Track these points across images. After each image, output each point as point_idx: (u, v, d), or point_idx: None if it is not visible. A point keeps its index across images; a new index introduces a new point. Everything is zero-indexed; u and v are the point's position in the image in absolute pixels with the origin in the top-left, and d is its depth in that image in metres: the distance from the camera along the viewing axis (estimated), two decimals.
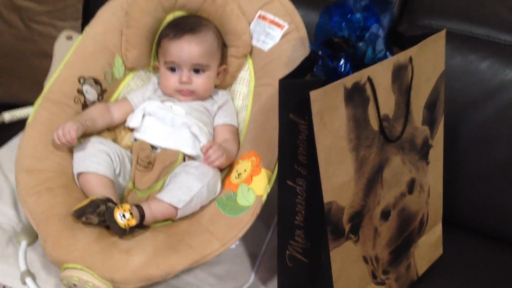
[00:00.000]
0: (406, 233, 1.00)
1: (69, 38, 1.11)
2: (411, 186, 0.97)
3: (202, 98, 1.06)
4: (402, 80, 0.88)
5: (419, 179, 0.98)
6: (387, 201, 0.92)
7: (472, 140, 1.15)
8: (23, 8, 1.28)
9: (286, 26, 1.06)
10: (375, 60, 0.89)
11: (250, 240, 1.06)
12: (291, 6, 1.08)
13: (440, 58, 0.97)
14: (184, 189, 0.89)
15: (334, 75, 0.88)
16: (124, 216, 0.85)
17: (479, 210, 1.18)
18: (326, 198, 0.81)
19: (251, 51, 1.09)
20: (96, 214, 0.85)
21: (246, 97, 1.08)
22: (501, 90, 1.13)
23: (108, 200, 0.87)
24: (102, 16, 1.08)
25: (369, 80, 0.82)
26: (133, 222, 0.85)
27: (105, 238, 0.86)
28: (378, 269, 0.95)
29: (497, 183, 1.15)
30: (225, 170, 0.99)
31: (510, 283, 1.09)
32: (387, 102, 0.87)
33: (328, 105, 0.78)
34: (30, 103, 1.27)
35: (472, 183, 1.17)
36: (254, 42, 1.08)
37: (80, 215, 0.85)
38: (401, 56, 0.87)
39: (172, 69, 1.04)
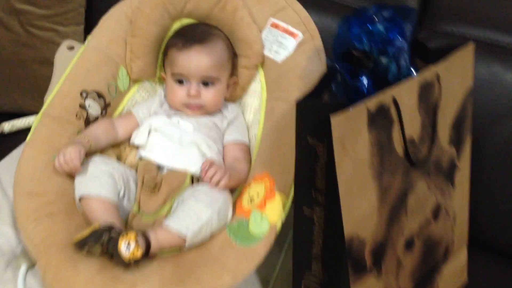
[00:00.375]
0: (431, 263, 0.93)
1: (71, 48, 1.05)
2: (436, 212, 0.90)
3: (211, 112, 0.99)
4: (428, 99, 0.82)
5: (444, 204, 0.92)
6: (410, 230, 0.85)
7: (499, 156, 1.08)
8: (23, 12, 1.21)
9: (300, 36, 0.99)
10: (399, 77, 0.82)
11: (261, 265, 1.00)
12: (305, 14, 1.01)
13: (468, 73, 0.90)
14: (192, 217, 0.83)
15: (354, 93, 0.82)
16: (129, 244, 0.78)
17: (506, 231, 1.11)
18: (347, 232, 0.74)
19: (262, 62, 1.02)
20: (99, 245, 0.79)
21: (258, 111, 1.01)
22: None
23: (111, 227, 0.81)
24: (105, 24, 1.01)
25: (394, 101, 0.75)
26: (139, 254, 0.79)
27: (108, 270, 0.80)
28: None
29: None
30: (236, 191, 0.93)
31: None
32: (413, 124, 0.80)
33: (350, 130, 0.71)
34: (30, 111, 1.22)
35: (499, 202, 1.10)
36: (266, 52, 1.02)
37: (81, 246, 0.79)
38: (428, 74, 0.80)
39: (180, 82, 0.98)
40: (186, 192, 0.88)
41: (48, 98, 0.93)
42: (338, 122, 0.69)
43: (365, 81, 0.81)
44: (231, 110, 1.01)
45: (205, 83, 0.97)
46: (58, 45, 1.18)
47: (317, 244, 0.81)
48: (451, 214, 0.94)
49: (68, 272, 0.79)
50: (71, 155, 0.86)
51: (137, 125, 0.99)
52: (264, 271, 0.98)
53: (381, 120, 0.74)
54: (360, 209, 0.75)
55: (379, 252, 0.80)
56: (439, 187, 0.90)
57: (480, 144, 1.08)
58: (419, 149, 0.83)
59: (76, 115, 0.94)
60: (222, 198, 0.86)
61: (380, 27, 0.84)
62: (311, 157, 0.76)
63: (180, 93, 0.97)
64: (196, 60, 0.95)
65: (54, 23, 1.23)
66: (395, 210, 0.81)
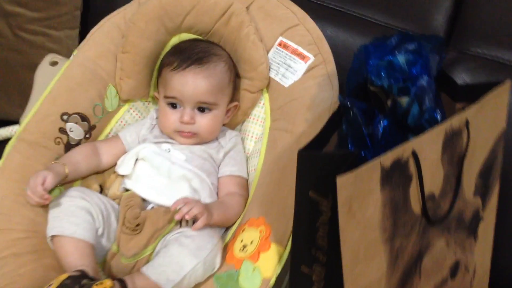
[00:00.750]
0: None
1: (54, 63, 0.95)
2: (454, 270, 0.79)
3: (206, 141, 0.89)
4: (454, 149, 0.70)
5: (464, 260, 0.80)
6: None
7: None
8: (12, 14, 1.11)
9: (311, 59, 0.88)
10: (420, 121, 0.71)
11: None
12: (318, 33, 0.90)
13: (501, 114, 0.78)
14: (174, 266, 0.73)
15: (368, 138, 0.71)
16: None
17: None
18: None
19: (268, 85, 0.91)
20: None
21: (260, 139, 0.91)
22: None
23: (83, 276, 0.72)
24: (94, 37, 0.91)
25: (414, 154, 0.64)
26: None
27: None
28: None
29: None
30: (230, 231, 0.83)
31: None
32: (434, 178, 0.69)
33: (359, 191, 0.60)
34: (17, 119, 1.12)
35: None
36: (272, 75, 0.91)
37: None
38: (456, 120, 0.69)
39: (173, 106, 0.87)
40: (170, 235, 0.78)
41: (24, 121, 0.84)
42: (345, 183, 0.58)
43: (381, 124, 0.70)
44: (229, 139, 0.90)
45: (201, 109, 0.87)
46: (49, 51, 1.09)
47: None
48: (471, 269, 0.83)
49: None
50: (35, 182, 0.76)
51: (123, 151, 0.89)
52: None
53: (397, 177, 0.63)
54: (366, 277, 0.64)
55: None
56: (460, 242, 0.79)
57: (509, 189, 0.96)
58: (439, 205, 0.71)
59: (55, 141, 0.84)
60: (210, 246, 0.76)
61: (402, 60, 0.72)
62: (313, 212, 0.66)
63: (172, 118, 0.87)
64: (192, 83, 0.85)
65: (46, 27, 1.14)
66: (407, 275, 0.70)
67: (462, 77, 1.02)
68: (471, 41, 1.05)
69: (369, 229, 0.63)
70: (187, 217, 0.77)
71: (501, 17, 1.07)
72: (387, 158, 0.61)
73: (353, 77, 0.75)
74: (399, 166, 0.63)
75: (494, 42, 1.04)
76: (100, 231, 0.80)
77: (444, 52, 0.77)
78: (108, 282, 0.71)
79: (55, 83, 0.86)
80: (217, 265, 0.77)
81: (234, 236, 0.80)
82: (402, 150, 0.63)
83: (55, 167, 0.81)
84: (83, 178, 0.87)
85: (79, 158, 0.85)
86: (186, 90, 0.85)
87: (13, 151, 0.82)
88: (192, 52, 0.87)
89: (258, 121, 0.93)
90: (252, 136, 0.93)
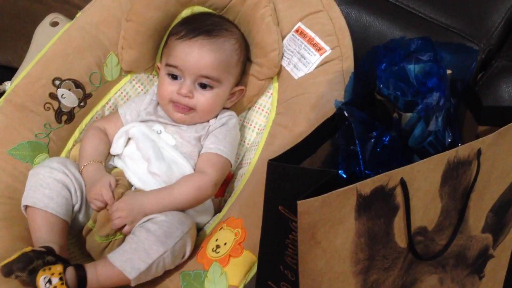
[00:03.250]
0: None
1: (55, 24, 0.90)
2: None
3: (202, 120, 0.83)
4: (458, 181, 0.61)
5: None
6: None
7: None
8: None
9: (327, 51, 0.79)
10: (422, 144, 0.61)
11: None
12: (341, 24, 0.81)
13: None
14: (140, 254, 0.69)
15: (360, 151, 0.62)
16: (50, 282, 0.66)
17: None
18: None
19: (279, 74, 0.83)
20: (28, 272, 0.67)
21: (261, 132, 0.83)
22: None
23: (48, 252, 0.69)
24: (102, 0, 0.85)
25: (402, 183, 0.55)
26: None
27: None
28: None
29: None
30: (209, 226, 0.78)
31: None
32: (428, 211, 0.60)
33: (327, 218, 0.53)
34: None
35: None
36: (284, 64, 0.83)
37: (8, 272, 0.68)
38: (464, 150, 0.59)
39: (173, 77, 0.81)
40: (141, 220, 0.74)
41: (14, 82, 0.80)
42: (309, 208, 0.51)
43: (380, 140, 0.61)
44: (219, 118, 0.83)
45: (202, 85, 0.80)
46: (70, 4, 1.05)
47: None
48: None
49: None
50: (106, 190, 0.76)
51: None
52: None
53: (378, 206, 0.55)
54: None
55: None
56: (458, 281, 0.69)
57: None
58: (433, 240, 0.62)
59: (45, 106, 0.81)
60: (179, 233, 0.71)
61: (417, 69, 0.63)
62: (282, 229, 0.58)
63: (169, 88, 0.81)
64: (197, 54, 0.78)
65: None
66: None
67: (507, 91, 0.90)
68: None
69: (337, 260, 0.55)
70: (113, 227, 0.74)
71: None
72: (366, 185, 0.53)
73: (359, 81, 0.67)
74: (382, 195, 0.55)
75: None
76: (77, 207, 0.77)
77: (474, 66, 0.66)
78: (58, 267, 0.68)
79: (51, 45, 0.82)
80: (188, 253, 0.72)
81: (212, 233, 0.75)
82: (388, 178, 0.54)
83: (100, 171, 0.79)
84: (75, 129, 0.85)
85: (101, 148, 0.82)
86: (189, 60, 0.78)
87: None
88: (203, 24, 0.81)
89: (263, 111, 0.86)
90: (254, 127, 0.86)
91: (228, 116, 0.83)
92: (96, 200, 0.75)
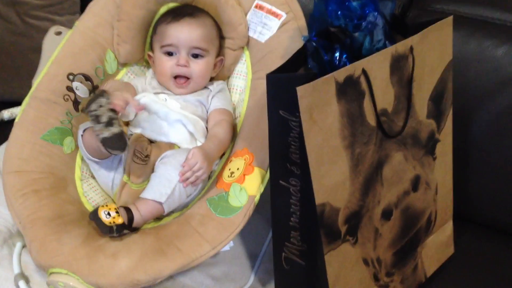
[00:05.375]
0: (412, 233, 0.94)
1: (58, 33, 1.08)
2: (415, 183, 0.91)
3: (198, 87, 1.02)
4: (402, 71, 0.83)
5: (424, 176, 0.93)
6: (388, 200, 0.87)
7: (486, 131, 1.09)
8: (19, 2, 1.25)
9: (283, 16, 1.01)
10: (373, 51, 0.83)
11: (250, 240, 1.02)
12: None
13: (447, 47, 0.91)
14: (164, 182, 0.86)
15: (329, 68, 0.83)
16: (109, 214, 0.82)
17: (493, 205, 1.12)
18: (318, 200, 0.76)
19: (248, 43, 1.04)
20: (98, 105, 0.84)
21: (243, 91, 1.03)
22: None
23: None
24: (93, 10, 1.04)
25: (364, 72, 0.76)
26: (120, 220, 0.82)
27: (92, 242, 0.83)
28: (380, 272, 0.90)
29: (509, 176, 1.08)
30: (219, 165, 0.95)
31: None
32: (386, 95, 0.81)
33: (318, 101, 0.73)
34: None
35: (487, 177, 1.10)
36: (251, 34, 1.04)
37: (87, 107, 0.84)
38: (400, 46, 0.81)
39: (169, 54, 1.00)
40: (157, 162, 0.91)
41: (36, 81, 0.97)
42: (305, 93, 0.71)
43: (338, 54, 0.82)
44: (216, 85, 1.03)
45: (195, 55, 0.99)
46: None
47: (295, 215, 0.83)
48: (433, 186, 0.95)
49: (53, 244, 0.82)
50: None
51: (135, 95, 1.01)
52: (253, 246, 1.01)
53: (351, 91, 0.76)
54: (331, 178, 0.76)
55: (354, 220, 0.82)
56: (418, 158, 0.91)
57: (469, 119, 1.08)
58: (393, 121, 0.84)
59: (64, 98, 0.97)
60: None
61: (356, 3, 0.85)
62: (284, 130, 0.78)
63: (169, 64, 0.99)
64: (187, 30, 0.98)
65: (50, 12, 1.27)
66: (369, 180, 0.82)
67: None
68: None
69: (330, 136, 0.75)
70: (191, 179, 0.87)
71: None
72: (340, 74, 0.74)
73: (314, 22, 0.87)
74: (351, 82, 0.75)
75: None
76: (115, 163, 0.92)
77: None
78: (112, 205, 0.84)
79: (60, 48, 1.00)
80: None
81: (223, 168, 0.93)
82: (353, 68, 0.75)
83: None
84: None
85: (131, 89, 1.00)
86: (181, 36, 0.97)
87: (27, 107, 0.95)
88: (184, 9, 1.01)
89: (241, 75, 1.06)
90: (236, 89, 1.06)
91: (222, 84, 1.04)
92: (118, 100, 0.88)
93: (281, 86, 0.76)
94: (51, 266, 0.81)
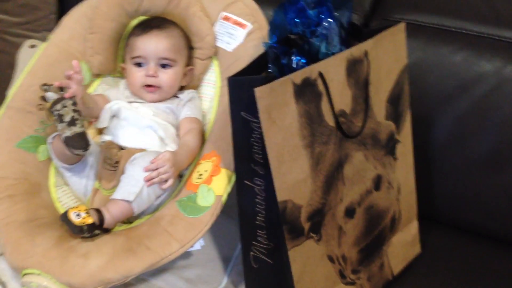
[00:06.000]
0: (376, 231, 0.98)
1: (32, 46, 1.12)
2: (377, 182, 0.95)
3: (168, 95, 1.05)
4: (358, 74, 0.87)
5: (386, 175, 0.97)
6: (350, 198, 0.90)
7: (448, 134, 1.14)
8: None
9: (249, 26, 1.06)
10: (329, 56, 0.87)
11: (223, 243, 1.05)
12: (254, 6, 1.08)
13: (401, 51, 0.96)
14: (132, 182, 0.90)
15: (288, 72, 0.87)
16: (79, 215, 0.85)
17: (458, 206, 1.16)
18: (280, 197, 0.79)
19: (215, 53, 1.08)
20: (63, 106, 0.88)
21: (213, 99, 1.07)
22: (476, 83, 1.11)
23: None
24: (66, 23, 1.08)
25: (320, 75, 0.81)
26: (90, 220, 0.85)
27: (64, 243, 0.86)
28: (346, 269, 0.93)
29: (474, 177, 1.13)
30: (188, 169, 0.99)
31: (492, 280, 1.07)
32: (343, 97, 0.85)
33: (276, 102, 0.77)
34: None
35: (449, 178, 1.15)
36: (219, 44, 1.08)
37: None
38: (355, 50, 0.86)
39: (139, 65, 1.04)
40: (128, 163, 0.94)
41: (11, 92, 1.00)
42: (263, 94, 0.75)
43: (296, 59, 0.86)
44: (187, 94, 1.07)
45: (163, 65, 1.03)
46: None
47: (261, 214, 0.86)
48: (395, 185, 0.99)
49: (26, 245, 0.85)
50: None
51: None
52: (225, 249, 1.04)
53: (308, 93, 0.80)
54: (292, 176, 0.80)
55: (317, 218, 0.85)
56: (379, 158, 0.95)
57: (430, 122, 1.13)
58: (352, 122, 0.88)
59: (38, 107, 1.00)
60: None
61: (312, 12, 0.90)
62: (246, 131, 0.81)
63: (138, 74, 1.03)
64: (154, 42, 1.02)
65: (27, 30, 1.31)
66: (331, 178, 0.86)
67: None
68: (392, 9, 1.23)
69: (289, 135, 0.79)
70: (156, 180, 0.91)
71: None
72: (297, 76, 0.78)
73: (274, 29, 0.92)
74: (309, 84, 0.80)
75: (412, 8, 1.22)
76: (87, 169, 0.95)
77: (351, 8, 0.95)
78: (83, 206, 0.87)
79: (35, 60, 1.03)
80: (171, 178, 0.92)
81: (192, 171, 0.96)
82: (310, 70, 0.80)
83: None
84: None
85: (97, 99, 1.02)
86: (149, 48, 1.02)
87: (3, 117, 0.99)
88: (152, 22, 1.06)
89: (210, 84, 1.10)
90: (206, 97, 1.10)
91: (192, 93, 1.08)
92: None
93: (242, 88, 0.80)
94: (24, 267, 0.84)
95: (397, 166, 0.99)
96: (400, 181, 1.01)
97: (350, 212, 0.91)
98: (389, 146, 0.97)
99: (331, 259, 0.90)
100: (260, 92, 0.74)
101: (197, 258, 1.03)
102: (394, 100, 0.96)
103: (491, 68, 1.11)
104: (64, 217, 0.85)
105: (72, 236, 0.87)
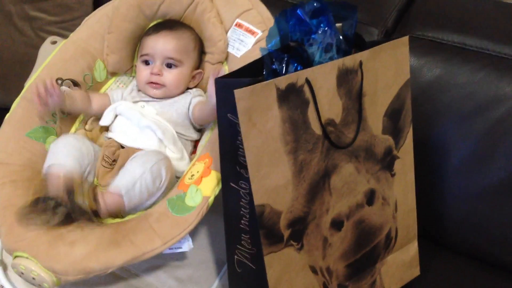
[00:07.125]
0: (368, 247, 0.95)
1: (54, 42, 1.18)
2: (370, 197, 0.93)
3: (173, 94, 1.08)
4: (351, 84, 0.86)
5: (381, 191, 0.94)
6: (338, 210, 0.89)
7: (462, 157, 1.10)
8: (35, 18, 1.38)
9: (259, 33, 1.07)
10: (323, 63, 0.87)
11: (219, 246, 1.06)
12: (268, 15, 1.09)
13: (403, 66, 0.93)
14: (127, 176, 0.93)
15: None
16: (84, 201, 0.89)
17: (467, 231, 1.12)
18: (257, 201, 0.79)
19: (227, 58, 1.10)
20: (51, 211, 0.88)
21: None
22: (494, 104, 1.08)
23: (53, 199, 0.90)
24: (87, 23, 1.13)
25: (307, 82, 0.80)
26: (95, 206, 0.89)
27: (55, 230, 0.89)
28: (331, 282, 0.92)
29: (486, 203, 1.09)
30: (184, 171, 1.01)
31: None
32: (332, 106, 0.85)
33: (257, 105, 0.77)
34: None
35: (463, 203, 1.11)
36: (230, 50, 1.10)
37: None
38: (348, 60, 0.85)
39: (146, 63, 1.08)
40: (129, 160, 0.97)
41: (27, 84, 1.06)
42: (243, 95, 0.75)
43: (293, 66, 0.86)
44: (196, 90, 1.10)
45: (169, 65, 1.06)
46: None
47: (245, 218, 0.86)
48: (392, 202, 0.97)
49: (20, 229, 0.89)
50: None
51: (109, 105, 1.09)
52: (220, 253, 1.04)
53: (293, 99, 0.80)
54: (271, 180, 0.80)
55: (299, 226, 0.84)
56: (373, 173, 0.93)
57: (444, 143, 1.11)
58: (342, 132, 0.87)
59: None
60: (155, 159, 0.95)
61: (313, 20, 0.90)
62: (232, 133, 0.82)
63: (144, 72, 1.07)
64: (162, 41, 1.06)
65: (62, 28, 1.39)
66: (315, 187, 0.85)
67: None
68: (414, 25, 1.21)
69: (270, 139, 0.79)
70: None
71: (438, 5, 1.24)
72: (281, 81, 0.78)
73: (273, 36, 0.92)
74: (294, 90, 0.80)
75: (434, 25, 1.19)
76: (88, 168, 0.99)
77: (356, 19, 0.94)
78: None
79: (53, 55, 1.09)
80: (164, 177, 0.95)
81: (186, 172, 0.98)
82: (296, 76, 0.79)
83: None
84: (75, 118, 1.09)
85: (76, 95, 1.06)
86: (157, 47, 1.06)
87: (17, 107, 1.04)
88: (166, 23, 1.10)
89: None
90: None
91: (201, 91, 1.11)
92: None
93: (228, 90, 0.80)
94: (15, 250, 0.88)
95: (395, 183, 0.97)
96: (398, 199, 0.98)
97: (337, 224, 0.89)
98: (386, 161, 0.94)
99: (314, 270, 0.89)
100: (240, 94, 0.75)
101: (190, 258, 1.05)
102: (393, 115, 0.93)
103: (510, 90, 1.07)
104: (72, 202, 0.88)
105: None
